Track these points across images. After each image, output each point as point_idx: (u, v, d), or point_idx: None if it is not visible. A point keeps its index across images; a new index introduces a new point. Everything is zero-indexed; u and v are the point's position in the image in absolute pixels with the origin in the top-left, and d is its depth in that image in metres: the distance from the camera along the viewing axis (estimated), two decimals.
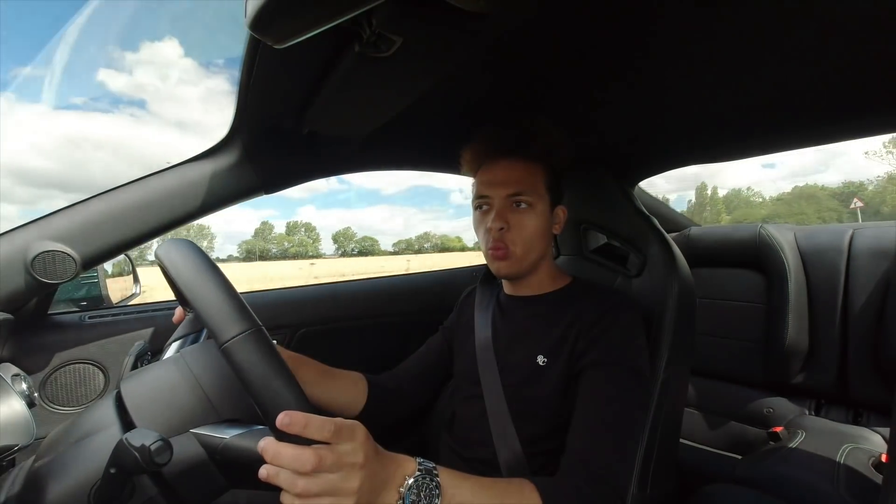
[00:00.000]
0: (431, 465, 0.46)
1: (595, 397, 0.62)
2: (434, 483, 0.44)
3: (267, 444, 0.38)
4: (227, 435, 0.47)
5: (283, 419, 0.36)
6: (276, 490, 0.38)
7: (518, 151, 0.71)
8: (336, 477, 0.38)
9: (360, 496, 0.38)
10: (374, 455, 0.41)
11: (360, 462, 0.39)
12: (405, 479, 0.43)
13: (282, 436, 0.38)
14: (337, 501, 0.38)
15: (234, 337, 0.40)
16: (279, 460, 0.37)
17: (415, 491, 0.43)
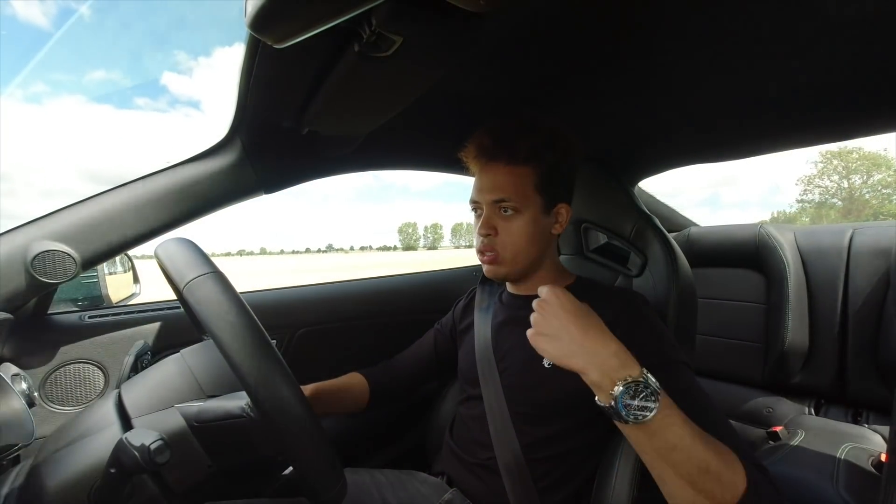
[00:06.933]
0: (656, 383, 0.46)
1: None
2: (653, 397, 0.45)
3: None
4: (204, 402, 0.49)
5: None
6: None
7: (502, 156, 0.68)
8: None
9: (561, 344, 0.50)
10: (578, 315, 0.51)
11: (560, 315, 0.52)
12: (626, 377, 0.46)
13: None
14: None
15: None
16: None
17: (631, 391, 0.45)
